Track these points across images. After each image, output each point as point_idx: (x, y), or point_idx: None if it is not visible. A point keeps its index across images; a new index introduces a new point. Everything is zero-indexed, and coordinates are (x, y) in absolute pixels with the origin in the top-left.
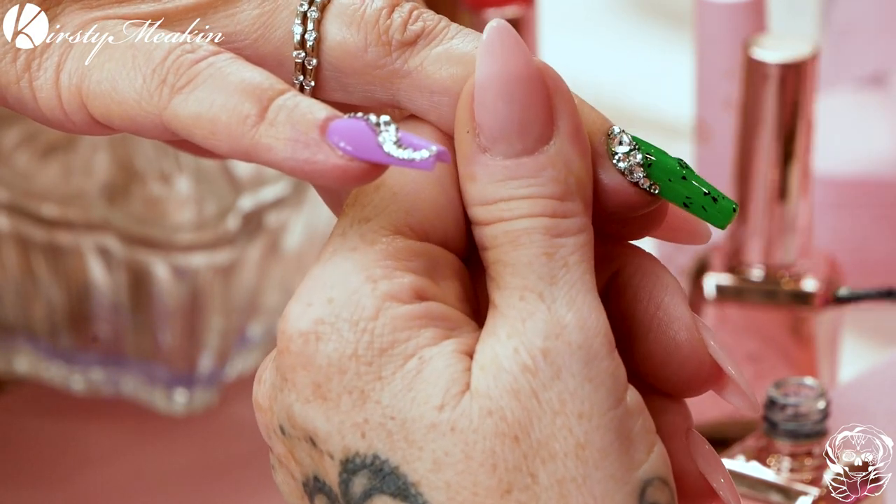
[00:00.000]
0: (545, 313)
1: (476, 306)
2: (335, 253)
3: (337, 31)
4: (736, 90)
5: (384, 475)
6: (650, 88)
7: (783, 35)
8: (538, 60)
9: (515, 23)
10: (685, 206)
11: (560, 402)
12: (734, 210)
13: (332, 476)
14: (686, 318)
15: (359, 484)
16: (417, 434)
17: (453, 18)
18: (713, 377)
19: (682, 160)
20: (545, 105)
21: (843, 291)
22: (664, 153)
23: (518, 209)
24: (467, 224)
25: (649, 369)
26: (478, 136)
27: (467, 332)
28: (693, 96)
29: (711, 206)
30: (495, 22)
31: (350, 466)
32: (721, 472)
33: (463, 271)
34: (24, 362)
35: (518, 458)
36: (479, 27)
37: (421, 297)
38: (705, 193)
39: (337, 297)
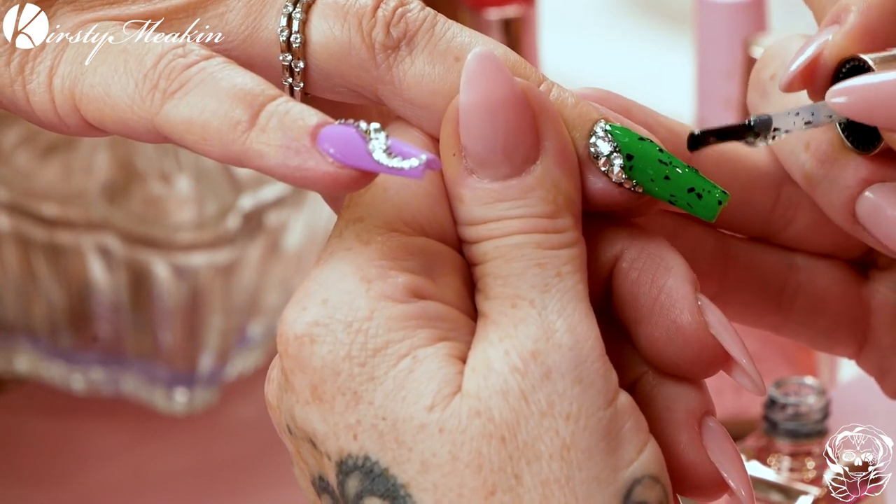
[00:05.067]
0: (536, 318)
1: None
2: (332, 255)
3: (321, 33)
4: (736, 90)
5: (374, 476)
6: (650, 88)
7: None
8: (522, 82)
9: (516, 23)
10: (671, 202)
11: (548, 403)
12: (720, 203)
13: (331, 477)
14: (688, 301)
15: (352, 486)
16: (407, 435)
17: (453, 18)
18: (718, 358)
19: (665, 154)
20: (530, 127)
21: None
22: (649, 146)
23: (508, 227)
24: None
25: (654, 353)
26: (464, 159)
27: (465, 333)
28: (693, 96)
29: (696, 202)
30: (478, 49)
31: (344, 468)
32: (734, 463)
33: (463, 265)
34: (25, 362)
35: (503, 459)
36: (480, 27)
37: (417, 295)
38: (689, 190)
39: (331, 299)
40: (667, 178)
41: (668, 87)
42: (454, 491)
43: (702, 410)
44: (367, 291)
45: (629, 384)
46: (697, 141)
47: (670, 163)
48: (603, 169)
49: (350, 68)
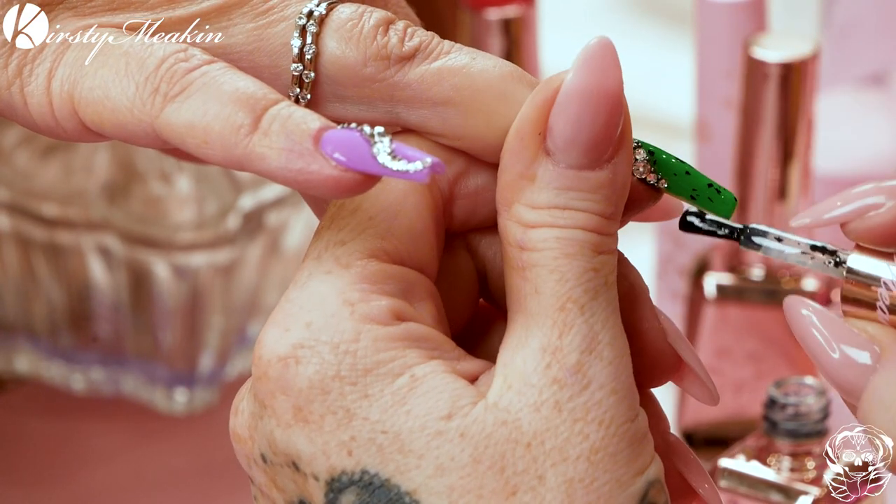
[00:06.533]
0: (583, 327)
1: (447, 328)
2: (311, 277)
3: (335, 46)
4: (736, 90)
5: (374, 489)
6: (650, 88)
7: (783, 35)
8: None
9: (515, 23)
10: (692, 198)
11: (584, 410)
12: (735, 200)
13: (317, 498)
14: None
15: (346, 501)
16: (416, 443)
17: (453, 18)
18: (672, 367)
19: (678, 159)
20: (619, 125)
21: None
22: (663, 151)
23: (573, 219)
24: (439, 249)
25: None
26: (546, 139)
27: (447, 351)
28: (693, 96)
29: (716, 197)
30: (598, 38)
31: (336, 485)
32: (700, 473)
33: (435, 294)
34: (25, 361)
35: (528, 462)
36: (480, 27)
37: (399, 318)
38: (709, 185)
39: (315, 321)
40: (688, 173)
41: (668, 87)
42: (473, 493)
43: (662, 426)
44: (351, 314)
45: None
46: (688, 225)
47: (685, 163)
48: None
49: (363, 79)
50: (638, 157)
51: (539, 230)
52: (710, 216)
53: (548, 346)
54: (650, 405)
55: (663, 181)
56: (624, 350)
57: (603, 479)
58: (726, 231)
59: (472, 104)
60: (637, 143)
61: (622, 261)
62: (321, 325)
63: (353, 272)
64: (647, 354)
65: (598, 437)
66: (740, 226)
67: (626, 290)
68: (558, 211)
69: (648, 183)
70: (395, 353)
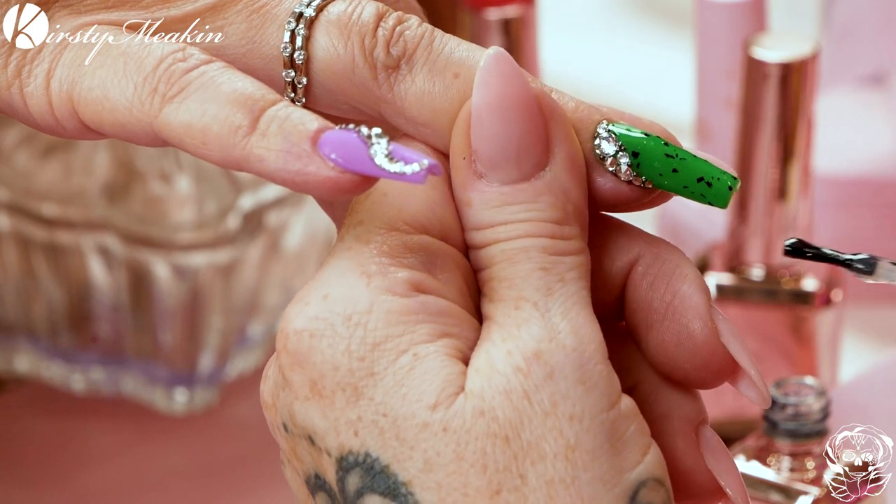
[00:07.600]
0: (539, 320)
1: (479, 301)
2: (332, 255)
3: (325, 51)
4: (736, 90)
5: (375, 474)
6: (650, 88)
7: (783, 35)
8: (535, 86)
9: (515, 23)
10: (684, 195)
11: (551, 403)
12: (730, 188)
13: (330, 474)
14: (701, 308)
15: (352, 482)
16: (409, 433)
17: (452, 18)
18: (726, 368)
19: (671, 147)
20: (542, 131)
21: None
22: (653, 143)
23: (516, 231)
24: None
25: (662, 358)
26: (474, 163)
27: (466, 329)
28: (693, 96)
29: (708, 191)
30: (493, 50)
31: (344, 464)
32: (730, 470)
33: (464, 263)
34: (25, 361)
35: (508, 459)
36: (479, 27)
37: (418, 290)
38: (699, 180)
39: (332, 294)
40: (675, 171)
41: (668, 87)
42: (459, 490)
43: (698, 419)
44: (368, 285)
45: (625, 391)
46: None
47: (676, 155)
48: (611, 169)
49: (353, 87)
50: (621, 161)
51: (486, 249)
52: (814, 246)
53: (507, 336)
54: (688, 400)
55: (648, 182)
56: (590, 339)
57: (584, 478)
58: (837, 259)
59: (446, 128)
60: (621, 145)
61: (669, 273)
62: (337, 297)
63: (373, 246)
64: (700, 354)
65: (572, 434)
66: (857, 256)
67: (669, 300)
68: (501, 227)
69: (636, 184)
70: (406, 327)
